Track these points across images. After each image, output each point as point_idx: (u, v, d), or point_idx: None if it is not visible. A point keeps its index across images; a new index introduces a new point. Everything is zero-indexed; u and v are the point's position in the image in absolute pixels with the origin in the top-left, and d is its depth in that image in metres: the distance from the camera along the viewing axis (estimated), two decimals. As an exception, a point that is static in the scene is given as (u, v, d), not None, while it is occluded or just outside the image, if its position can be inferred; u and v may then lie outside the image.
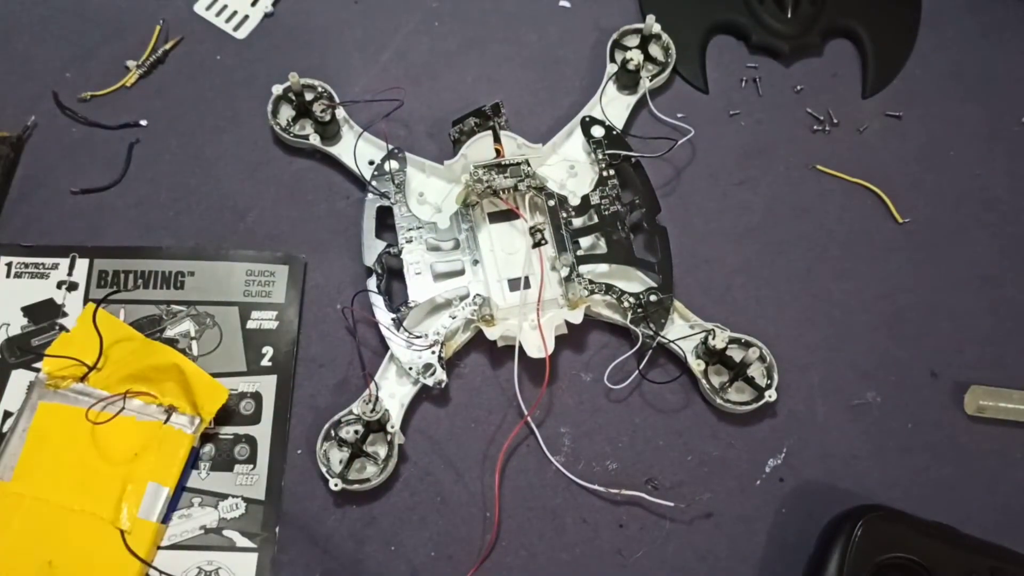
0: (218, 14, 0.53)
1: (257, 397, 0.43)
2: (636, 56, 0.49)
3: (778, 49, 0.52)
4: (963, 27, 0.54)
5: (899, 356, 0.46)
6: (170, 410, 0.42)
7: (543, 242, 0.44)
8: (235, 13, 0.53)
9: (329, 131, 0.48)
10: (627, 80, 0.50)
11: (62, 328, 0.44)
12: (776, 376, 0.43)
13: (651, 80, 0.50)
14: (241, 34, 0.52)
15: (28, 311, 0.44)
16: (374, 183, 0.46)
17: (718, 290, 0.47)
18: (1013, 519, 0.43)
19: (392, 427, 0.41)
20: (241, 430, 0.43)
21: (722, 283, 0.47)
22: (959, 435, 0.44)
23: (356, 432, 0.41)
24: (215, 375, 0.43)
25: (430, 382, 0.42)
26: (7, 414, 0.42)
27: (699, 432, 0.44)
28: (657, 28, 0.50)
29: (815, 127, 0.51)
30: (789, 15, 0.53)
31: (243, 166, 0.49)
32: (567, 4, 0.54)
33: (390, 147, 0.47)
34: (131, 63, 0.51)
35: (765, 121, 0.51)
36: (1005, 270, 0.48)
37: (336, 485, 0.40)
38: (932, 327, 0.46)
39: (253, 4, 0.53)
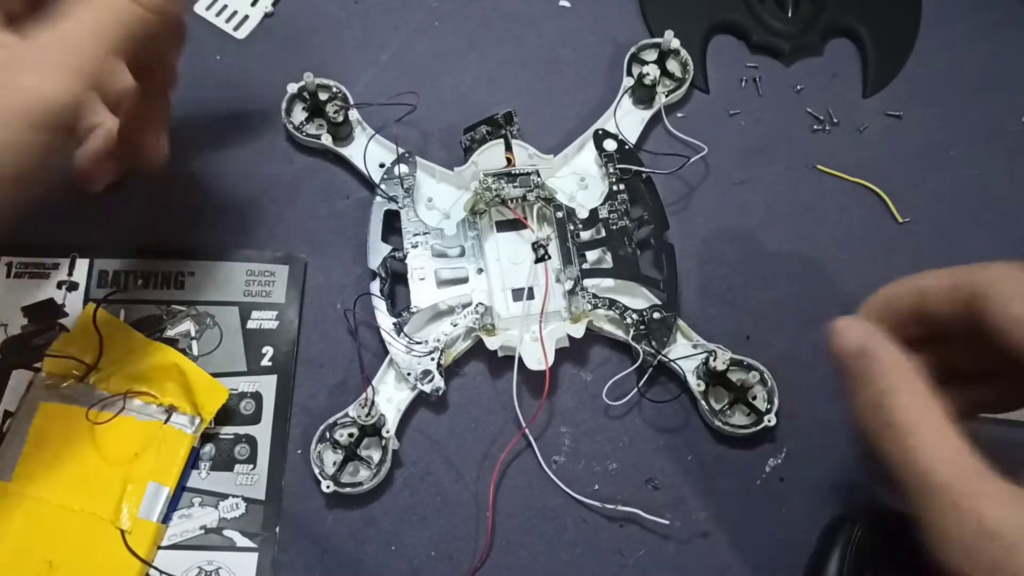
0: (218, 14, 0.53)
1: (257, 397, 0.43)
2: (653, 71, 0.48)
3: (778, 49, 0.52)
4: (963, 27, 0.54)
5: (899, 356, 0.46)
6: (170, 410, 0.42)
7: (547, 257, 0.44)
8: (235, 13, 0.53)
9: (341, 132, 0.47)
10: (643, 94, 0.49)
11: (62, 328, 0.44)
12: (776, 400, 0.43)
13: (667, 96, 0.50)
14: (241, 34, 0.52)
15: (28, 311, 0.44)
16: (383, 186, 0.46)
17: (718, 290, 0.47)
18: (1013, 519, 0.43)
19: (387, 432, 0.41)
20: (241, 430, 0.43)
21: (722, 283, 0.47)
22: (959, 435, 0.44)
23: (351, 435, 0.41)
24: (215, 375, 0.43)
25: (428, 389, 0.42)
26: (7, 414, 0.42)
27: (699, 434, 0.44)
28: (676, 44, 0.49)
29: (815, 127, 0.51)
30: (789, 15, 0.53)
31: (242, 166, 0.48)
32: (567, 4, 0.54)
33: (400, 151, 0.46)
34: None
35: (765, 121, 0.51)
36: (1005, 270, 0.48)
37: (328, 487, 0.40)
38: (932, 327, 0.46)
39: (253, 4, 0.53)
